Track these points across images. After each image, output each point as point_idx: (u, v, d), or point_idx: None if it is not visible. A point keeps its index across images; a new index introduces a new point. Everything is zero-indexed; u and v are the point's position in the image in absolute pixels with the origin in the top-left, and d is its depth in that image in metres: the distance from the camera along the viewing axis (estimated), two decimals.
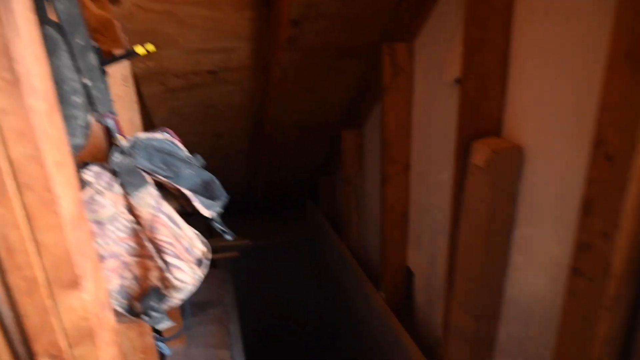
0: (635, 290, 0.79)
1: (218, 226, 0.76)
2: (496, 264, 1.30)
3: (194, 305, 2.10)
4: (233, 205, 3.32)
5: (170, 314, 1.76)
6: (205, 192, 0.81)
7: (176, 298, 0.64)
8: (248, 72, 1.91)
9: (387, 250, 2.00)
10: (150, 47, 0.82)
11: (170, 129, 0.96)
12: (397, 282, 2.06)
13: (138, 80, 1.78)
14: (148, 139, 0.80)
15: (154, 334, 1.44)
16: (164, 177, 0.77)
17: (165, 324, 0.71)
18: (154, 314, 0.69)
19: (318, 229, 3.14)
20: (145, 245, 0.66)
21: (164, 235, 0.66)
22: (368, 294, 2.17)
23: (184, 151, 0.91)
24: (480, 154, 1.18)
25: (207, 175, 0.85)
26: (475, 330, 1.39)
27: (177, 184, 0.80)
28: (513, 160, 1.17)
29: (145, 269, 0.67)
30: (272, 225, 3.52)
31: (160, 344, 1.48)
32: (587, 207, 0.78)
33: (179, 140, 1.04)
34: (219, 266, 2.47)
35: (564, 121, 1.05)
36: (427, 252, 1.84)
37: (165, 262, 0.65)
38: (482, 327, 1.39)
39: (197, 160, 0.92)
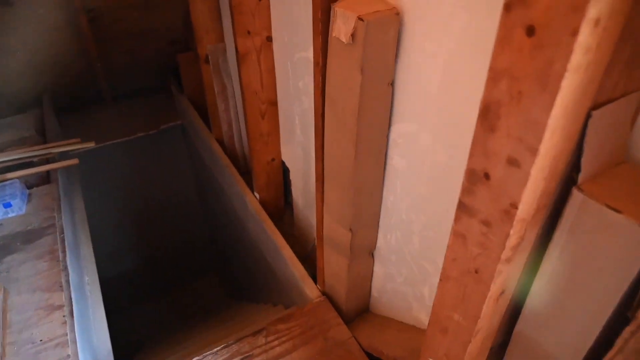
0: (543, 235, 0.55)
1: None
2: (371, 169, 1.02)
3: (15, 238, 1.64)
4: (78, 98, 2.64)
5: None
6: None
7: None
8: None
9: (255, 144, 1.66)
10: None
11: None
12: (271, 181, 1.77)
13: None
14: None
15: None
16: None
17: None
18: None
19: (186, 118, 2.66)
20: None
21: None
22: (242, 194, 1.87)
23: None
24: (342, 22, 0.80)
25: None
26: (351, 242, 1.17)
27: None
28: (388, 31, 0.81)
29: None
30: (134, 117, 2.93)
31: None
32: (489, 116, 0.47)
33: None
34: (54, 180, 1.96)
35: None
36: (300, 146, 1.53)
37: None
38: (358, 239, 1.17)
39: None
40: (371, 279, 1.33)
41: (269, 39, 1.45)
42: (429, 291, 1.08)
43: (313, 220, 1.61)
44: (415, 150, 0.94)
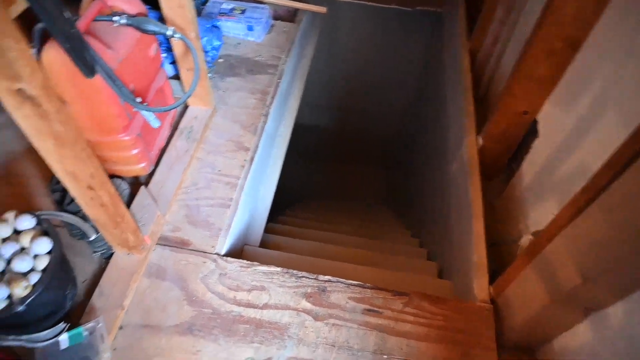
0: None
1: None
2: None
3: (243, 63, 1.67)
4: None
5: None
6: None
7: None
8: None
9: (514, 86, 1.26)
10: None
11: None
12: (508, 136, 1.39)
13: None
14: None
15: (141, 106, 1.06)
16: None
17: None
18: None
19: (449, 8, 2.26)
20: None
21: None
22: (463, 131, 1.55)
23: None
24: None
25: None
26: (571, 289, 0.82)
27: None
28: None
29: None
30: None
31: (146, 114, 1.13)
32: None
33: None
34: (297, 20, 1.90)
35: None
36: (578, 118, 1.09)
37: None
38: (584, 291, 0.81)
39: None
40: (564, 331, 0.98)
41: None
42: None
43: (530, 212, 1.24)
44: None
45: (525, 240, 1.17)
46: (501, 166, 1.51)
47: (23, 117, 0.71)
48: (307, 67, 2.02)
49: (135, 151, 1.19)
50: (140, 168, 1.25)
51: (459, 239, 1.36)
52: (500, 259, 1.30)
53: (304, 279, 1.12)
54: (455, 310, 1.10)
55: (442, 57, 2.20)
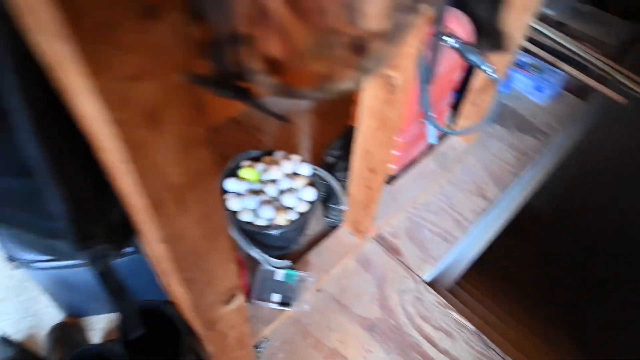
0: None
1: None
2: None
3: (515, 117, 1.63)
4: None
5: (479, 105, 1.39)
6: None
7: None
8: None
9: None
10: None
11: None
12: None
13: None
14: None
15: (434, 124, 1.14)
16: None
17: None
18: None
19: None
20: None
21: None
22: None
23: None
24: None
25: None
26: None
27: None
28: None
29: None
30: None
31: (431, 129, 1.21)
32: None
33: None
34: (588, 100, 1.77)
35: None
36: None
37: None
38: None
39: None
40: None
41: None
42: None
43: None
44: None
45: None
46: None
47: (371, 96, 0.83)
48: (569, 148, 1.87)
49: (395, 152, 1.29)
50: (389, 168, 1.35)
51: None
52: None
53: (492, 351, 1.06)
54: None
55: None
